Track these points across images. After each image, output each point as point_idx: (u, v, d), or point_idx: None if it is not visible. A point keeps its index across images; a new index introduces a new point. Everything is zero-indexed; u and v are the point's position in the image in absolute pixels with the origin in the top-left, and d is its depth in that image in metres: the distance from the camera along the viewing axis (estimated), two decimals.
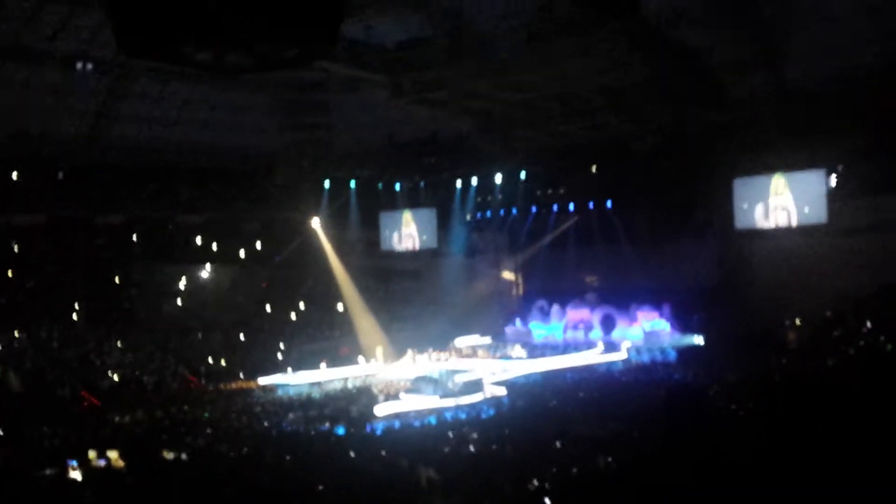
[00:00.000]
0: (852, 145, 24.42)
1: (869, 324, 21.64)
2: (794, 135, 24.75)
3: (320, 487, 10.58)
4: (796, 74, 24.03)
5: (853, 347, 19.87)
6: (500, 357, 27.52)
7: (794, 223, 25.31)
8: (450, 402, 20.51)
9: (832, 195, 24.77)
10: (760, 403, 10.79)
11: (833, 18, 22.16)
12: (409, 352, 27.75)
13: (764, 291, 26.33)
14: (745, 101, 24.70)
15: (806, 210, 25.07)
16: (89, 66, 26.66)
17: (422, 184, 34.01)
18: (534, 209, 32.59)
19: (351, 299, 32.70)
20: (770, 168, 25.59)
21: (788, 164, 25.18)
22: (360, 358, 27.19)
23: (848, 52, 22.91)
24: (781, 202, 25.44)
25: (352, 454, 13.55)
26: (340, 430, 17.49)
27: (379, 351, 27.41)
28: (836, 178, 25.40)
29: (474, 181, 32.63)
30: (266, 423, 19.09)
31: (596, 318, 30.35)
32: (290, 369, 25.30)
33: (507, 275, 33.88)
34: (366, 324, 31.41)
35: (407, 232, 34.27)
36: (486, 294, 33.43)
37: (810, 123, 24.30)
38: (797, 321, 24.10)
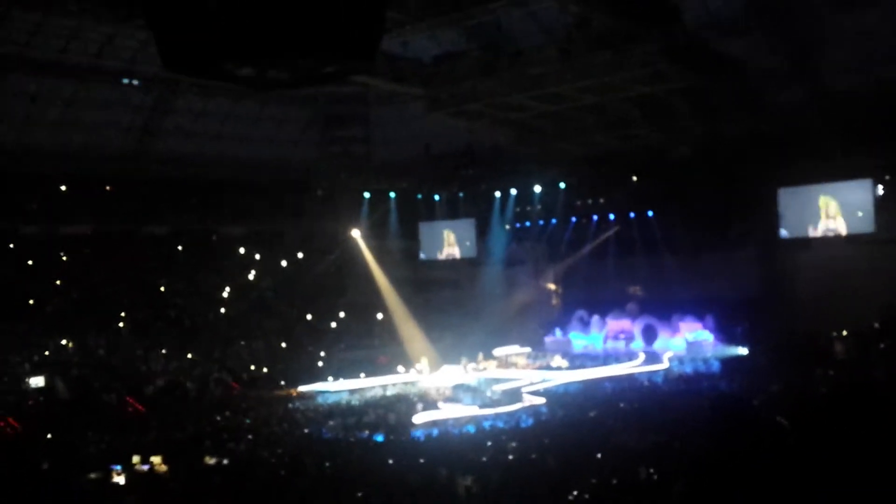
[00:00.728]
0: None
1: None
2: (838, 144, 24.35)
3: (359, 494, 10.67)
4: (837, 84, 23.68)
5: None
6: (541, 367, 27.39)
7: (841, 233, 24.92)
8: (489, 412, 20.49)
9: (879, 205, 24.32)
10: (805, 415, 10.57)
11: (869, 31, 21.88)
12: (448, 361, 27.80)
13: (809, 302, 25.84)
14: (786, 110, 24.39)
15: (852, 220, 24.66)
16: (135, 82, 27.37)
17: (461, 195, 34.18)
18: (573, 220, 32.49)
19: (394, 308, 32.91)
20: (814, 178, 25.23)
21: (834, 173, 24.80)
22: (400, 367, 27.30)
23: (887, 63, 22.55)
24: (828, 211, 25.06)
25: (390, 462, 13.65)
26: (379, 438, 17.61)
27: (424, 360, 27.46)
28: (883, 187, 24.92)
29: (513, 192, 32.69)
30: (306, 430, 19.29)
31: (637, 328, 30.09)
32: (329, 377, 25.53)
33: (547, 285, 33.75)
34: (409, 332, 31.58)
35: (446, 243, 34.47)
36: (526, 304, 33.32)
37: (854, 133, 23.89)
38: (843, 332, 23.60)
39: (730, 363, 25.68)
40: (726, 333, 27.76)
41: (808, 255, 26.58)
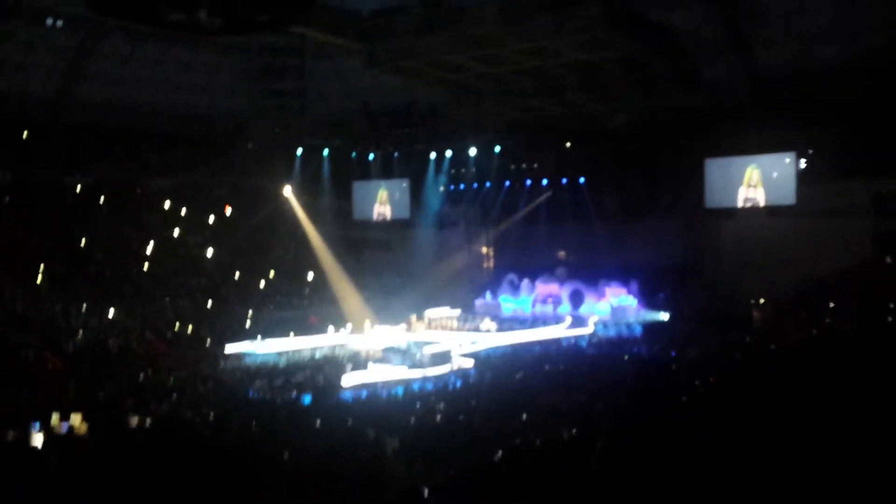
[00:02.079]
0: (821, 131, 24.85)
1: (832, 304, 22.08)
2: (765, 118, 25.10)
3: (286, 454, 10.62)
4: (769, 61, 24.29)
5: (816, 328, 20.26)
6: (470, 330, 27.67)
7: (760, 203, 25.76)
8: (418, 373, 20.64)
9: (801, 178, 25.18)
10: (721, 379, 11.04)
11: (804, 10, 22.46)
12: (379, 322, 27.82)
13: (730, 271, 26.79)
14: (718, 84, 24.94)
15: (775, 192, 25.49)
16: (59, 22, 25.99)
17: (396, 154, 33.89)
18: (507, 183, 32.69)
19: (325, 268, 32.65)
20: (741, 150, 25.95)
21: (759, 146, 25.55)
22: (331, 327, 27.16)
23: (818, 42, 23.24)
24: (755, 187, 25.83)
25: (318, 422, 13.61)
26: (307, 399, 17.54)
27: (368, 323, 27.34)
28: (805, 161, 25.79)
29: (448, 153, 32.59)
30: (232, 391, 19.06)
31: (565, 292, 30.65)
32: (258, 337, 25.23)
33: (479, 248, 33.98)
34: (341, 292, 31.42)
35: (380, 202, 34.22)
36: (457, 266, 33.53)
37: (781, 108, 24.65)
38: (761, 300, 24.52)
39: (652, 328, 26.50)
40: (650, 299, 28.62)
41: (731, 225, 27.46)
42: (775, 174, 25.44)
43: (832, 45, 23.08)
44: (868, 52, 22.49)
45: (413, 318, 28.34)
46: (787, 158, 25.29)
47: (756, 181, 25.67)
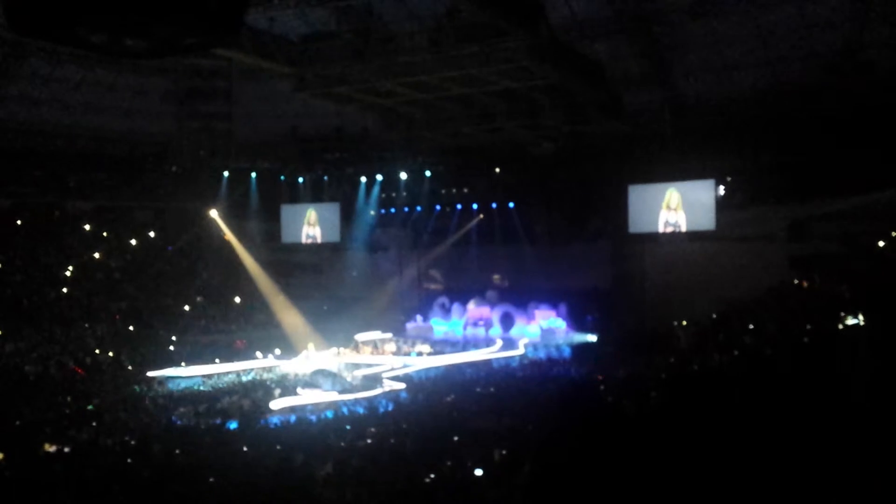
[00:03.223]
0: (739, 159, 25.92)
1: (751, 326, 22.86)
2: (685, 147, 26.05)
3: (211, 480, 10.37)
4: (689, 91, 25.27)
5: (737, 349, 20.93)
6: (407, 353, 27.60)
7: (684, 229, 26.61)
8: (348, 397, 20.45)
9: (720, 204, 26.13)
10: (647, 399, 11.31)
11: (722, 42, 23.44)
12: (308, 346, 27.49)
13: (655, 293, 27.49)
14: (641, 113, 25.82)
15: (696, 218, 26.37)
16: None
17: (325, 178, 33.76)
18: (437, 208, 32.91)
19: (253, 292, 32.20)
20: (663, 177, 26.80)
21: (680, 173, 26.46)
22: (258, 352, 26.68)
23: (737, 72, 24.29)
24: (675, 210, 26.67)
25: (244, 449, 13.34)
26: (233, 425, 17.16)
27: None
28: (724, 188, 26.77)
29: (379, 177, 32.65)
30: (154, 417, 18.52)
31: (495, 315, 30.89)
32: (182, 362, 24.59)
33: (410, 271, 33.99)
34: (269, 317, 31.00)
35: (309, 225, 33.96)
36: (388, 290, 33.46)
37: (701, 137, 25.65)
38: (684, 322, 25.20)
39: (580, 350, 26.94)
40: (578, 322, 29.12)
41: (654, 250, 28.23)
42: (696, 200, 26.33)
43: (749, 74, 24.13)
44: (783, 81, 23.60)
45: (356, 343, 28.14)
46: (707, 185, 26.21)
47: (676, 204, 26.54)
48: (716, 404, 4.92)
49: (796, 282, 24.02)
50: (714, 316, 24.77)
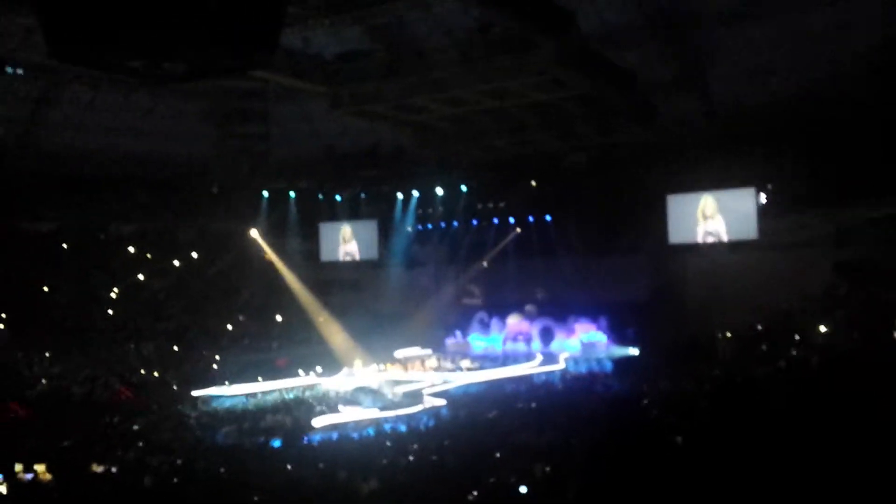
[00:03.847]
0: (779, 165, 25.46)
1: (797, 337, 22.41)
2: (723, 154, 25.68)
3: (256, 498, 10.44)
4: (725, 97, 24.93)
5: (783, 359, 20.52)
6: (452, 369, 27.54)
7: (725, 239, 26.20)
8: (389, 414, 20.44)
9: (761, 212, 25.69)
10: (691, 412, 11.11)
11: (753, 47, 23.14)
12: (355, 363, 27.62)
13: (696, 304, 27.05)
14: (675, 120, 25.51)
15: (736, 226, 25.95)
16: (19, 70, 25.86)
17: (362, 195, 34.00)
18: (474, 222, 32.87)
19: (294, 310, 32.49)
20: (701, 186, 26.44)
21: (719, 181, 26.08)
22: (300, 370, 26.87)
23: (774, 77, 23.92)
24: (713, 218, 26.31)
25: (288, 467, 13.41)
26: (276, 443, 17.27)
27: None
28: (766, 196, 26.32)
29: (415, 193, 32.77)
30: (199, 436, 18.71)
31: (535, 329, 30.69)
32: (225, 381, 24.85)
33: (449, 287, 33.95)
34: (311, 335, 31.23)
35: (347, 243, 34.21)
36: (427, 306, 33.47)
37: (739, 144, 25.26)
38: (728, 333, 24.78)
39: (622, 363, 26.59)
40: (619, 335, 28.75)
41: (695, 260, 27.81)
42: (736, 208, 25.92)
43: (785, 79, 23.76)
44: (821, 85, 23.17)
45: (396, 359, 28.24)
46: (748, 193, 25.79)
47: (711, 212, 26.17)
48: (762, 418, 4.80)
49: (844, 290, 23.50)
50: (759, 326, 24.34)
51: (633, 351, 27.74)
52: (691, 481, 4.07)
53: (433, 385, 24.08)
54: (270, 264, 33.63)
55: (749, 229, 25.66)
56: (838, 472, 4.21)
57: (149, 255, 32.91)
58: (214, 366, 27.97)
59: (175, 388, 25.39)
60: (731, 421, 4.75)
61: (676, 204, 27.13)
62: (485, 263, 32.49)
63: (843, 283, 23.76)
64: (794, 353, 20.79)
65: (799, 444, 4.78)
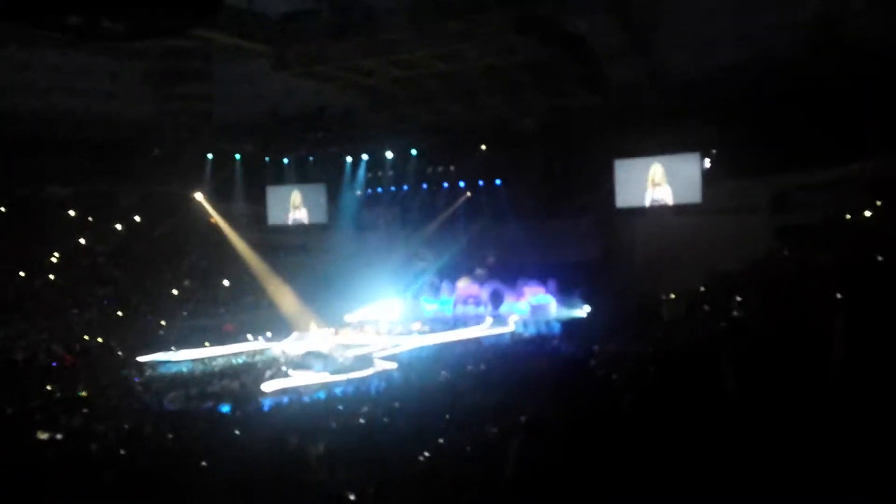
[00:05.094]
0: (723, 132, 25.91)
1: (738, 298, 23.01)
2: (669, 121, 26.00)
3: (203, 463, 10.39)
4: (671, 64, 25.19)
5: (724, 320, 21.08)
6: (401, 332, 27.65)
7: (668, 202, 26.70)
8: (340, 378, 20.48)
9: (705, 177, 26.19)
10: (636, 372, 11.39)
11: (702, 16, 23.37)
12: (310, 326, 27.53)
13: (642, 267, 27.59)
14: (624, 87, 25.71)
15: (681, 191, 26.44)
16: None
17: (310, 158, 33.57)
18: (424, 186, 32.81)
19: (242, 274, 32.12)
20: (648, 151, 26.83)
21: (664, 147, 26.49)
22: (249, 335, 26.67)
23: (719, 45, 24.22)
24: (661, 185, 26.74)
25: (237, 432, 13.36)
26: (225, 408, 17.18)
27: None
28: (710, 161, 26.82)
29: (364, 157, 32.50)
30: (146, 402, 18.51)
31: (485, 293, 30.94)
32: (171, 347, 24.53)
33: (399, 251, 33.94)
34: (259, 298, 30.96)
35: (296, 207, 33.84)
36: (377, 270, 33.41)
37: (685, 110, 25.59)
38: (672, 295, 25.33)
39: (570, 325, 27.05)
40: (567, 297, 29.19)
41: (641, 223, 28.27)
42: (681, 173, 26.39)
43: (730, 47, 24.06)
44: (765, 54, 23.54)
45: (347, 323, 28.19)
46: (693, 158, 26.25)
47: (661, 179, 26.60)
48: (702, 377, 4.94)
49: (784, 253, 24.18)
50: (701, 289, 24.92)
51: (581, 313, 28.23)
52: (638, 441, 4.18)
53: (384, 348, 24.17)
54: (216, 228, 33.09)
55: (693, 194, 26.18)
56: (774, 425, 4.37)
57: (90, 219, 32.04)
58: (160, 331, 27.56)
59: (120, 354, 24.96)
60: (672, 379, 4.88)
61: (623, 168, 27.48)
62: (435, 227, 32.55)
63: (783, 246, 24.43)
64: (735, 314, 21.37)
65: (740, 401, 4.95)
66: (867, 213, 22.63)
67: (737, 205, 25.91)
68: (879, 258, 17.77)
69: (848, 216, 22.42)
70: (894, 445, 3.96)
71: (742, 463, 3.95)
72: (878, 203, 22.63)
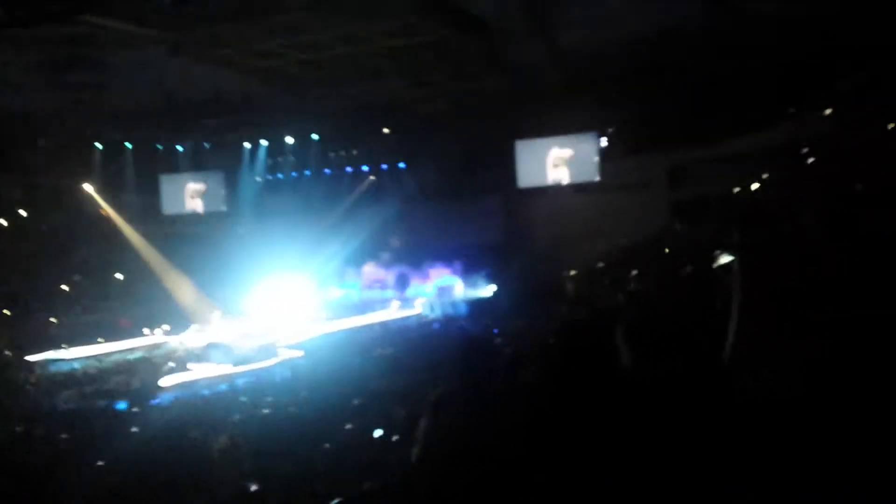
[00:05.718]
0: (619, 109, 26.61)
1: (635, 272, 23.73)
2: (568, 100, 26.49)
3: (100, 463, 9.96)
4: (570, 42, 25.52)
5: (622, 293, 21.72)
6: (304, 320, 27.26)
7: (570, 181, 27.26)
8: (243, 369, 20.02)
9: (604, 156, 26.86)
10: (539, 346, 11.56)
11: None
12: (200, 319, 26.72)
13: (545, 246, 28.15)
14: (525, 67, 25.95)
15: (580, 169, 27.04)
16: None
17: (206, 145, 32.51)
18: (327, 171, 32.38)
19: (137, 267, 30.92)
20: (549, 131, 27.28)
21: (563, 127, 26.98)
22: (145, 329, 25.73)
23: (615, 21, 24.66)
24: (559, 162, 27.24)
25: (134, 429, 12.87)
26: (121, 405, 16.51)
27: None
28: (607, 139, 27.51)
29: (263, 143, 31.74)
30: (37, 402, 17.60)
31: (391, 276, 30.88)
32: (63, 345, 23.41)
33: (303, 237, 33.40)
34: (155, 291, 29.89)
35: (192, 196, 32.73)
36: (279, 257, 32.79)
37: (583, 89, 26.10)
38: (573, 272, 25.93)
39: (476, 305, 27.37)
40: (473, 278, 29.51)
41: (543, 202, 28.81)
42: (580, 153, 26.97)
43: (626, 22, 24.52)
44: (656, 30, 24.08)
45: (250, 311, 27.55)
46: (591, 137, 26.87)
47: (559, 159, 27.12)
48: (600, 347, 4.99)
49: (679, 227, 25.07)
50: (600, 265, 25.60)
51: (487, 293, 28.58)
52: (545, 414, 4.19)
53: (288, 337, 23.77)
54: (108, 220, 31.69)
55: (591, 172, 26.83)
56: (667, 394, 4.46)
57: None
58: (50, 329, 26.26)
59: (8, 353, 23.66)
60: (575, 350, 4.90)
61: (524, 149, 27.87)
62: (339, 212, 32.20)
63: (678, 220, 25.33)
64: (632, 286, 22.05)
65: (634, 368, 5.03)
66: (754, 186, 23.67)
67: (634, 181, 26.73)
68: (762, 231, 18.61)
69: (736, 189, 23.38)
70: (785, 415, 4.09)
71: (640, 431, 4.01)
72: (765, 176, 23.71)
